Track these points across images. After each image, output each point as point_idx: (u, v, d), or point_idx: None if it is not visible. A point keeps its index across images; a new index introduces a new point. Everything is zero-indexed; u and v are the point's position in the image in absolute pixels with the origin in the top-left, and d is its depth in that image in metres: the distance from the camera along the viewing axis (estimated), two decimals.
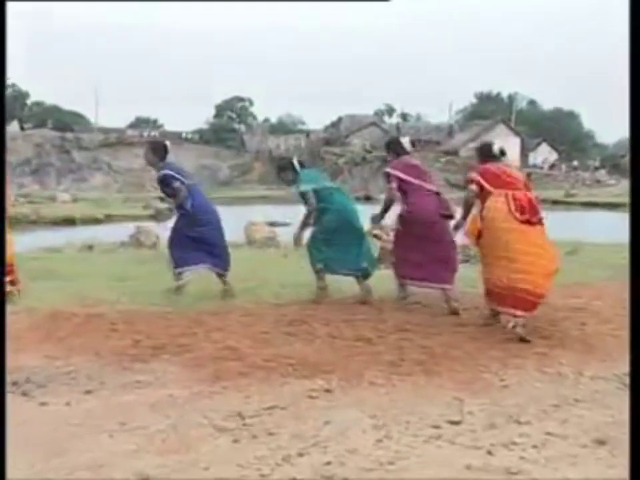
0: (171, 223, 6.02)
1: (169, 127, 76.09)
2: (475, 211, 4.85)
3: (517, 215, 4.43)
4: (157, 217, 6.33)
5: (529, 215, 4.45)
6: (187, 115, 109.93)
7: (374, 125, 62.54)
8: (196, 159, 61.88)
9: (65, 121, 67.44)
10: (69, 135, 57.73)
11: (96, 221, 23.83)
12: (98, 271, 7.40)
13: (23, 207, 25.77)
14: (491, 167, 4.78)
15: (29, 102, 74.47)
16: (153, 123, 78.16)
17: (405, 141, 5.70)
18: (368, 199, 40.72)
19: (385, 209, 5.60)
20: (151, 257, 8.76)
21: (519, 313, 4.48)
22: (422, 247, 5.31)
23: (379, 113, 72.74)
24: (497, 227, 4.49)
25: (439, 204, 5.39)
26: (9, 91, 69.91)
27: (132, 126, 74.39)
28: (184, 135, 66.42)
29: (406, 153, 5.63)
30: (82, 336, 4.63)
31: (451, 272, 5.37)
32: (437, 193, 5.49)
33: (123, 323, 5.00)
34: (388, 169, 5.52)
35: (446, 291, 5.35)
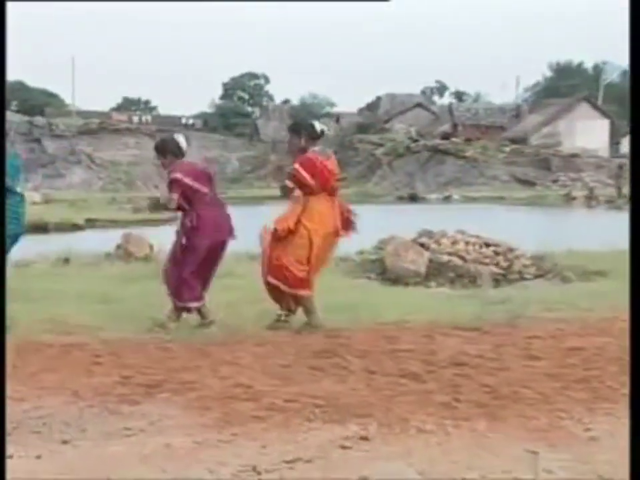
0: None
1: (165, 110, 76.84)
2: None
3: None
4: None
5: None
6: (187, 96, 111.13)
7: (420, 107, 62.53)
8: (198, 150, 62.40)
9: (33, 102, 68.52)
10: (39, 120, 58.63)
11: (74, 227, 24.14)
12: (76, 290, 7.52)
13: None
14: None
15: None
16: (144, 105, 78.93)
17: (182, 141, 6.04)
18: (414, 198, 40.74)
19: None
20: (143, 272, 8.87)
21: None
22: (207, 269, 5.89)
23: (426, 92, 72.72)
24: None
25: (226, 215, 6.05)
26: None
27: (118, 108, 75.28)
28: (184, 120, 67.09)
29: (183, 155, 6.00)
30: (57, 371, 4.71)
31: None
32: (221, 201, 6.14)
33: (109, 354, 5.07)
34: (175, 174, 5.83)
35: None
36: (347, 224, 5.99)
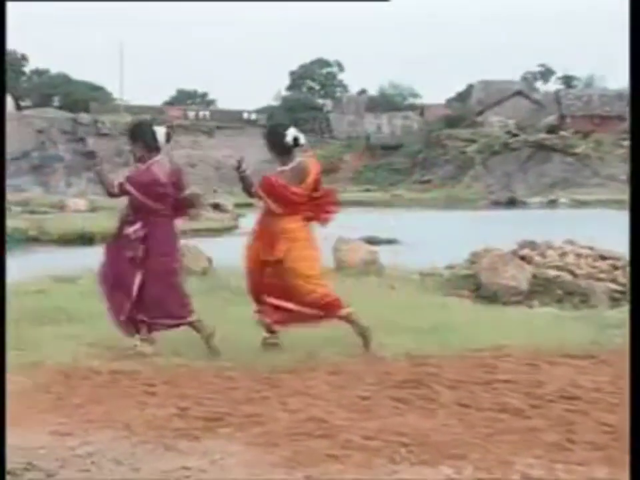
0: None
1: (225, 103, 78.03)
2: None
3: None
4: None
5: None
6: (250, 87, 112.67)
7: (520, 95, 61.81)
8: (261, 149, 62.95)
9: (77, 97, 70.34)
10: (84, 117, 60.26)
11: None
12: None
13: (19, 218, 26.02)
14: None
15: (27, 70, 78.17)
16: (201, 98, 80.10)
17: (160, 131, 6.22)
18: (512, 203, 40.28)
19: None
20: (200, 289, 9.00)
21: None
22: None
23: (528, 78, 71.67)
24: None
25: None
26: None
27: (172, 103, 76.69)
28: (245, 115, 67.93)
29: (157, 148, 6.18)
30: (106, 402, 4.82)
31: None
32: None
33: (164, 383, 5.17)
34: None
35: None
36: None
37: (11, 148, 51.25)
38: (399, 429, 4.26)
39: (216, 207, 42.10)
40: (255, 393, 4.95)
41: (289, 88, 74.20)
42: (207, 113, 68.55)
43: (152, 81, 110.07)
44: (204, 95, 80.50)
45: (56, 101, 72.76)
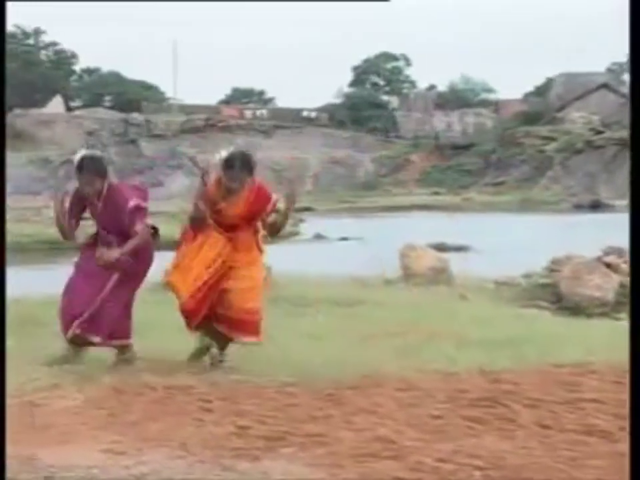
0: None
1: (284, 101, 78.47)
2: None
3: None
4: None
5: None
6: (310, 84, 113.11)
7: (606, 88, 60.84)
8: (322, 150, 63.29)
9: (129, 96, 71.42)
10: (136, 117, 61.13)
11: (177, 244, 24.92)
12: (175, 319, 7.75)
13: None
14: None
15: (77, 68, 79.75)
16: (258, 96, 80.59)
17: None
18: (596, 206, 39.70)
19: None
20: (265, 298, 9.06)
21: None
22: None
23: (614, 69, 70.39)
24: None
25: None
26: (47, 52, 75.19)
27: (227, 101, 77.33)
28: (305, 113, 68.23)
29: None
30: (161, 419, 4.87)
31: None
32: None
33: (221, 399, 5.20)
34: (135, 201, 6.24)
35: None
36: None
37: (61, 150, 52.23)
38: (474, 451, 4.22)
39: (274, 212, 42.31)
40: (317, 411, 4.96)
41: (352, 84, 74.12)
42: (265, 111, 69.02)
43: (207, 79, 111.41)
44: (261, 92, 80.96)
45: (107, 100, 73.96)
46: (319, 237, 33.65)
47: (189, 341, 6.63)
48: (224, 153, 6.05)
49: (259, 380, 5.66)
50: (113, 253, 6.06)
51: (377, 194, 57.98)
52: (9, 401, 5.07)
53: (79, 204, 6.33)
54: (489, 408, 4.96)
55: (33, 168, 53.59)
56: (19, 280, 9.10)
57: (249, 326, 6.09)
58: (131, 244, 6.11)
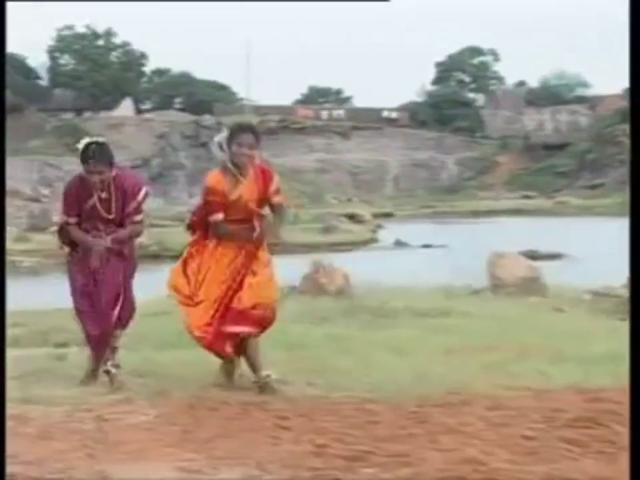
0: None
1: (362, 101, 78.65)
2: None
3: None
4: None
5: None
6: (390, 82, 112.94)
7: None
8: (403, 152, 63.19)
9: (200, 97, 72.30)
10: (207, 119, 61.75)
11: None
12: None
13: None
14: None
15: (147, 70, 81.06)
16: (335, 96, 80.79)
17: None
18: None
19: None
20: (336, 310, 9.09)
21: None
22: None
23: None
24: None
25: None
26: (117, 53, 76.44)
27: (303, 101, 77.73)
28: (385, 113, 68.21)
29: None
30: (235, 436, 4.89)
31: None
32: None
33: (297, 416, 5.22)
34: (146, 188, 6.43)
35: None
36: None
37: (130, 155, 53.17)
38: (571, 474, 4.15)
39: (352, 217, 42.40)
40: (400, 429, 4.93)
41: (435, 81, 73.84)
42: (342, 112, 69.26)
43: (281, 78, 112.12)
44: (339, 92, 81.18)
45: (178, 102, 75.02)
46: (399, 244, 33.62)
47: (267, 356, 6.67)
48: None
49: (337, 396, 5.67)
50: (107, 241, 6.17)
51: (461, 198, 57.61)
52: (79, 415, 5.19)
53: (85, 193, 6.27)
54: (587, 429, 4.88)
55: None
56: None
57: (254, 318, 6.04)
58: (128, 230, 6.24)
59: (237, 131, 6.01)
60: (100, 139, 6.30)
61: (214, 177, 6.04)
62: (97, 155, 6.12)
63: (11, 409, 5.23)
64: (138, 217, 6.27)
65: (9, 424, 4.84)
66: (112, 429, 4.99)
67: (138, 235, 6.40)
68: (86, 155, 6.13)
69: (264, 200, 6.09)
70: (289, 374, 6.23)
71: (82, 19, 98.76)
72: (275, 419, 5.17)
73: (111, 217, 6.22)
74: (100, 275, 6.17)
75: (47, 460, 4.37)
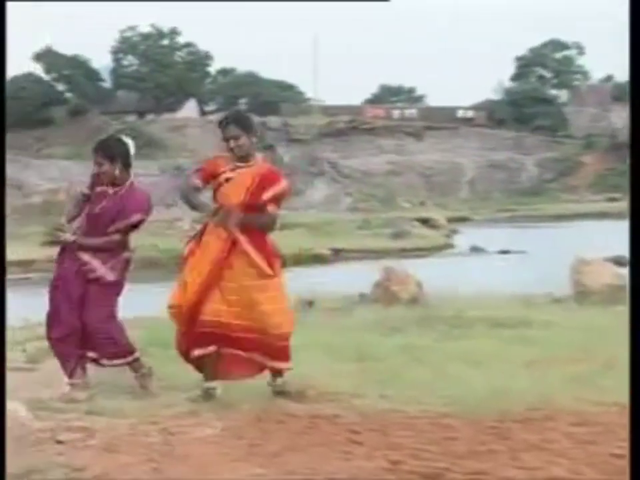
0: None
1: (435, 99, 78.30)
2: None
3: None
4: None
5: None
6: (465, 79, 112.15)
7: None
8: (479, 152, 62.66)
9: (266, 98, 72.64)
10: (274, 120, 62.00)
11: (316, 259, 25.09)
12: (322, 342, 7.82)
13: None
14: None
15: (212, 70, 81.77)
16: (407, 94, 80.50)
17: (131, 144, 6.44)
18: None
19: None
20: (409, 319, 9.06)
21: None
22: None
23: None
24: None
25: None
26: (182, 53, 77.11)
27: (373, 100, 77.61)
28: (460, 112, 67.72)
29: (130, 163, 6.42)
30: (304, 450, 4.92)
31: None
32: None
33: (369, 431, 5.22)
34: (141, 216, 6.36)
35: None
36: None
37: (193, 158, 53.60)
38: None
39: (425, 221, 42.19)
40: (479, 446, 4.91)
41: (514, 77, 73.01)
42: (414, 111, 68.94)
43: (350, 77, 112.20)
44: (411, 90, 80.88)
45: (243, 103, 75.47)
46: (475, 249, 33.37)
47: (337, 367, 6.70)
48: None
49: (412, 409, 5.66)
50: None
51: (542, 201, 56.97)
52: (145, 428, 5.26)
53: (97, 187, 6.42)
54: None
55: (164, 177, 55.26)
56: (150, 298, 9.37)
57: (281, 352, 6.06)
58: (101, 240, 6.26)
59: (220, 126, 6.16)
60: (123, 137, 6.48)
61: (215, 156, 6.27)
62: (100, 149, 6.34)
63: (76, 421, 5.35)
64: (115, 236, 6.31)
65: (75, 435, 4.94)
66: (178, 442, 5.04)
67: (110, 249, 6.35)
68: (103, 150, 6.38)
69: (257, 199, 6.03)
70: (360, 386, 6.23)
71: (146, 19, 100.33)
72: (346, 433, 5.19)
73: (95, 222, 6.31)
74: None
75: (113, 473, 4.45)
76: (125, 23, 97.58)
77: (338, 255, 26.46)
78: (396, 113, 67.45)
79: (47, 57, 74.58)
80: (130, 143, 6.39)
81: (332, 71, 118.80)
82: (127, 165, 6.31)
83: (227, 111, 72.38)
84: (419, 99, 79.59)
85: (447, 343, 8.08)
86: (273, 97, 71.99)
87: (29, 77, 73.65)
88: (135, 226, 6.34)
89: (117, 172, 6.26)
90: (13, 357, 8.48)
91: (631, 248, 4.42)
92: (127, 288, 6.45)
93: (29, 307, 9.27)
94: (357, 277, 13.21)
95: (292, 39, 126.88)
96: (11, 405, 5.25)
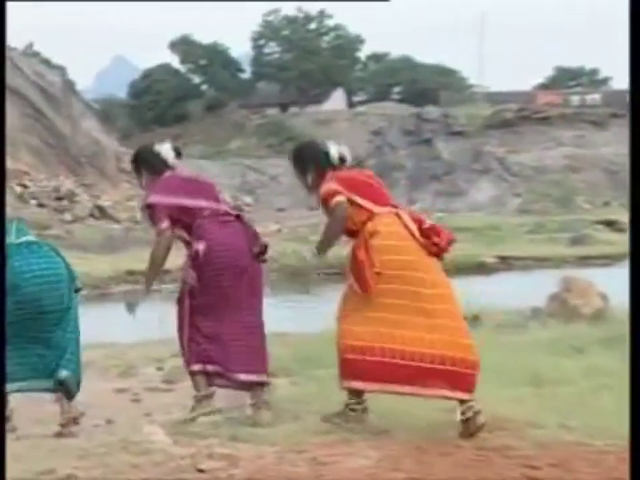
0: None
1: (623, 82, 75.91)
2: None
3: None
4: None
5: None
6: None
7: None
8: None
9: (423, 86, 72.29)
10: (431, 111, 61.55)
11: (481, 268, 24.88)
12: (490, 363, 7.69)
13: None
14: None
15: (361, 55, 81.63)
16: (589, 77, 78.59)
17: (166, 149, 6.64)
18: None
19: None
20: (592, 337, 8.88)
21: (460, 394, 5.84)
22: (221, 311, 6.33)
23: None
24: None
25: (247, 236, 6.48)
26: (329, 38, 77.53)
27: (547, 85, 76.21)
28: None
29: (167, 166, 6.60)
30: None
31: (263, 357, 6.46)
32: (238, 217, 6.58)
33: (549, 466, 5.15)
34: (151, 199, 6.44)
35: (256, 391, 6.37)
36: None
37: None
38: None
39: (610, 224, 41.03)
40: None
41: None
42: (598, 96, 67.31)
43: (521, 59, 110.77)
44: (593, 72, 79.21)
45: (396, 92, 75.45)
46: None
47: (509, 392, 6.63)
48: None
49: (598, 443, 5.55)
50: None
51: None
52: (291, 457, 5.30)
53: None
54: None
55: None
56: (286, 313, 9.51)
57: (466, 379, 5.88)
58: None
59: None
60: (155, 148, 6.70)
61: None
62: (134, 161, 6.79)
63: (218, 447, 5.42)
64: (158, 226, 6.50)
65: (218, 464, 5.02)
66: (328, 472, 5.06)
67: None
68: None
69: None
70: (538, 414, 6.15)
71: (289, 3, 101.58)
72: (521, 468, 5.12)
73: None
74: None
75: None
76: (267, 6, 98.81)
77: (505, 262, 26.12)
78: (575, 99, 66.00)
79: (182, 45, 76.34)
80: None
81: (498, 53, 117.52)
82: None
83: (378, 101, 72.19)
84: (604, 81, 77.82)
85: None
86: (431, 84, 71.76)
87: (164, 69, 75.63)
88: None
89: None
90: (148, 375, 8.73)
91: (631, 247, 4.58)
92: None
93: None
94: (528, 288, 13.02)
95: (453, 16, 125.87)
96: (148, 429, 5.39)
